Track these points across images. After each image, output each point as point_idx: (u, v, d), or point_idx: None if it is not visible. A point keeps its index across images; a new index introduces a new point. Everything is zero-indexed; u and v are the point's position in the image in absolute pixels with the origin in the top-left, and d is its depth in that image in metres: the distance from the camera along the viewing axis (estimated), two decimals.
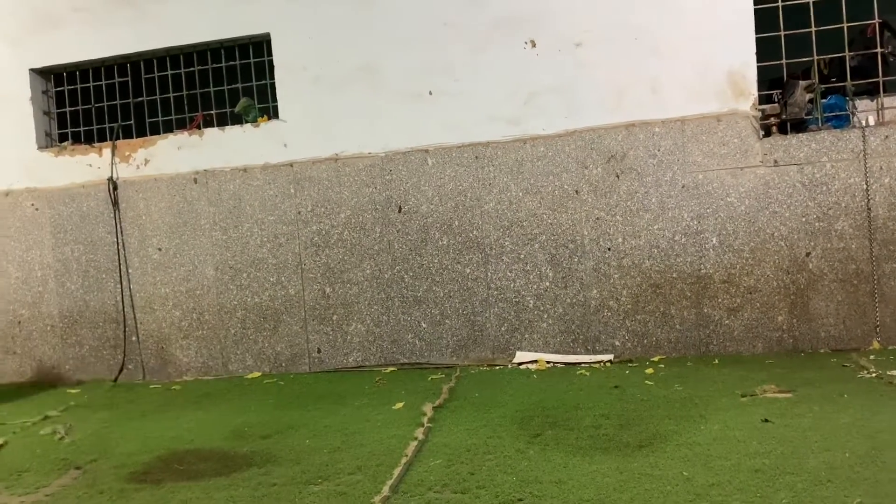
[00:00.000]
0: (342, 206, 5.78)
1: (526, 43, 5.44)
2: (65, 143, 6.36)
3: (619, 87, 5.32)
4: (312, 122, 5.83)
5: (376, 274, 5.73)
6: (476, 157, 5.54)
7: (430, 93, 5.61)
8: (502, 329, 5.54)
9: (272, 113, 6.01)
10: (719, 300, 5.20)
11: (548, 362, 5.34)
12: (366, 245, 5.75)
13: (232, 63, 6.10)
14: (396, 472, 3.33)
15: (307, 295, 5.83)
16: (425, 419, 4.13)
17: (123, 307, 6.09)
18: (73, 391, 5.81)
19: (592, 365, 5.22)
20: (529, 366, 5.34)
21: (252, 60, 6.06)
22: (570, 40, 5.37)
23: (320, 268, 5.82)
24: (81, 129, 6.42)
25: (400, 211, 5.69)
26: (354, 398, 4.85)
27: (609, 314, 5.37)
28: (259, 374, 5.83)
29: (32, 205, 6.28)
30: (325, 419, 4.40)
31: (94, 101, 6.38)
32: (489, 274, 5.54)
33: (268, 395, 5.16)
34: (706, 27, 5.17)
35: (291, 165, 5.85)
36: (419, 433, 3.89)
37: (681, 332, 5.27)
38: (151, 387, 5.80)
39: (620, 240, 5.34)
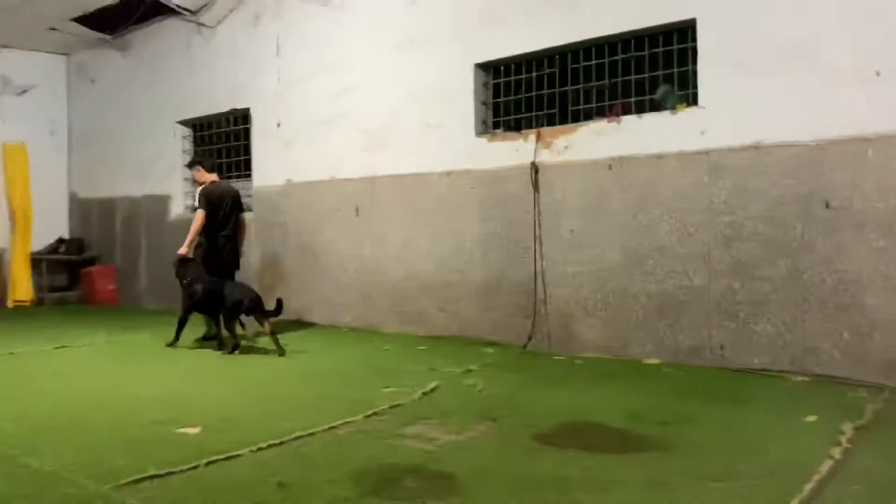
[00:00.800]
0: (759, 197, 5.45)
1: None
2: (497, 131, 7.08)
3: None
4: (733, 108, 5.58)
5: (793, 273, 5.29)
6: None
7: (878, 73, 4.95)
8: None
9: (691, 100, 5.91)
10: None
11: None
12: (783, 241, 5.34)
13: (654, 50, 6.13)
14: (807, 488, 3.07)
15: (713, 288, 5.64)
16: (843, 439, 3.72)
17: (535, 281, 6.60)
18: (488, 350, 6.50)
19: None
20: None
21: (674, 47, 6.02)
22: None
23: (730, 261, 5.57)
24: (512, 117, 7.07)
25: (827, 207, 5.16)
26: (759, 402, 4.58)
27: None
28: (657, 361, 5.84)
29: (468, 184, 7.13)
30: (726, 418, 4.24)
31: (523, 92, 6.97)
32: None
33: (666, 384, 5.15)
34: None
35: (707, 153, 5.69)
36: (836, 452, 3.52)
37: None
38: (555, 358, 6.21)
39: None
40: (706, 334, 5.67)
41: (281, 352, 6.41)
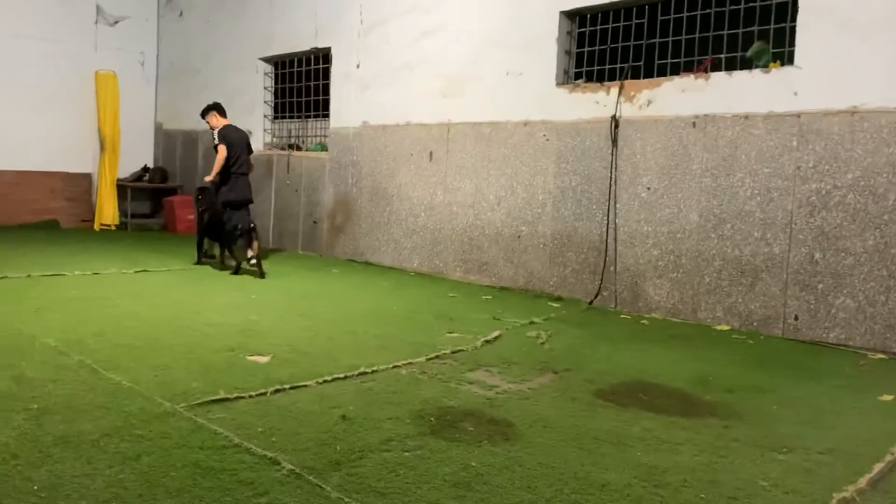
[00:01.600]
0: (851, 165, 5.19)
1: None
2: (578, 81, 6.90)
3: None
4: (831, 69, 5.28)
5: (880, 247, 5.05)
6: None
7: None
8: None
9: (786, 58, 5.61)
10: None
11: None
12: (873, 213, 5.09)
13: (751, 5, 5.82)
14: (877, 467, 2.98)
15: (792, 257, 5.44)
16: None
17: (607, 238, 6.50)
18: (553, 304, 6.48)
19: None
20: None
21: (773, 1, 5.70)
22: None
23: (812, 230, 5.36)
24: (595, 68, 6.88)
25: None
26: (830, 377, 4.44)
27: None
28: (727, 327, 5.71)
29: (544, 136, 7.01)
30: (795, 390, 4.14)
31: (609, 42, 6.75)
32: None
33: (734, 351, 5.04)
34: None
35: (798, 116, 5.43)
36: None
37: None
38: (622, 316, 6.15)
39: None
40: (781, 304, 5.50)
41: (262, 275, 7.31)
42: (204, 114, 8.33)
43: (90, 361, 4.01)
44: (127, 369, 3.91)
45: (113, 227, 11.63)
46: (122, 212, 11.82)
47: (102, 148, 11.70)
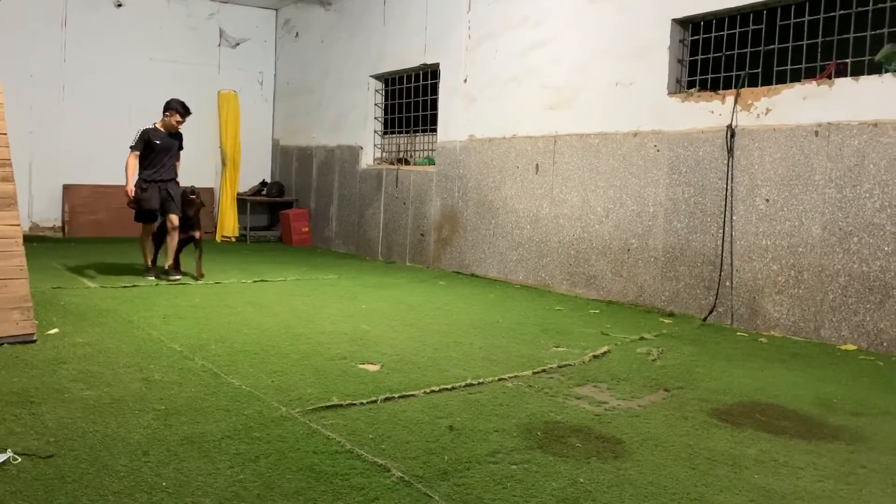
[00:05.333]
0: None
1: None
2: (692, 90, 6.70)
3: None
4: None
5: None
6: None
7: None
8: None
9: None
10: None
11: None
12: None
13: (880, 6, 5.49)
14: None
15: None
16: None
17: (722, 252, 6.26)
18: (665, 320, 6.30)
19: None
20: None
21: None
22: None
23: None
24: (709, 76, 6.67)
25: None
26: None
27: None
28: (854, 347, 5.37)
29: (655, 146, 6.85)
30: None
31: (724, 50, 6.53)
32: None
33: (862, 372, 4.74)
34: None
35: None
36: None
37: None
38: (738, 334, 5.90)
39: None
40: None
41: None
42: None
43: (212, 366, 4.24)
44: (246, 374, 4.10)
45: (233, 239, 12.23)
46: (242, 224, 12.42)
47: (224, 163, 12.36)
